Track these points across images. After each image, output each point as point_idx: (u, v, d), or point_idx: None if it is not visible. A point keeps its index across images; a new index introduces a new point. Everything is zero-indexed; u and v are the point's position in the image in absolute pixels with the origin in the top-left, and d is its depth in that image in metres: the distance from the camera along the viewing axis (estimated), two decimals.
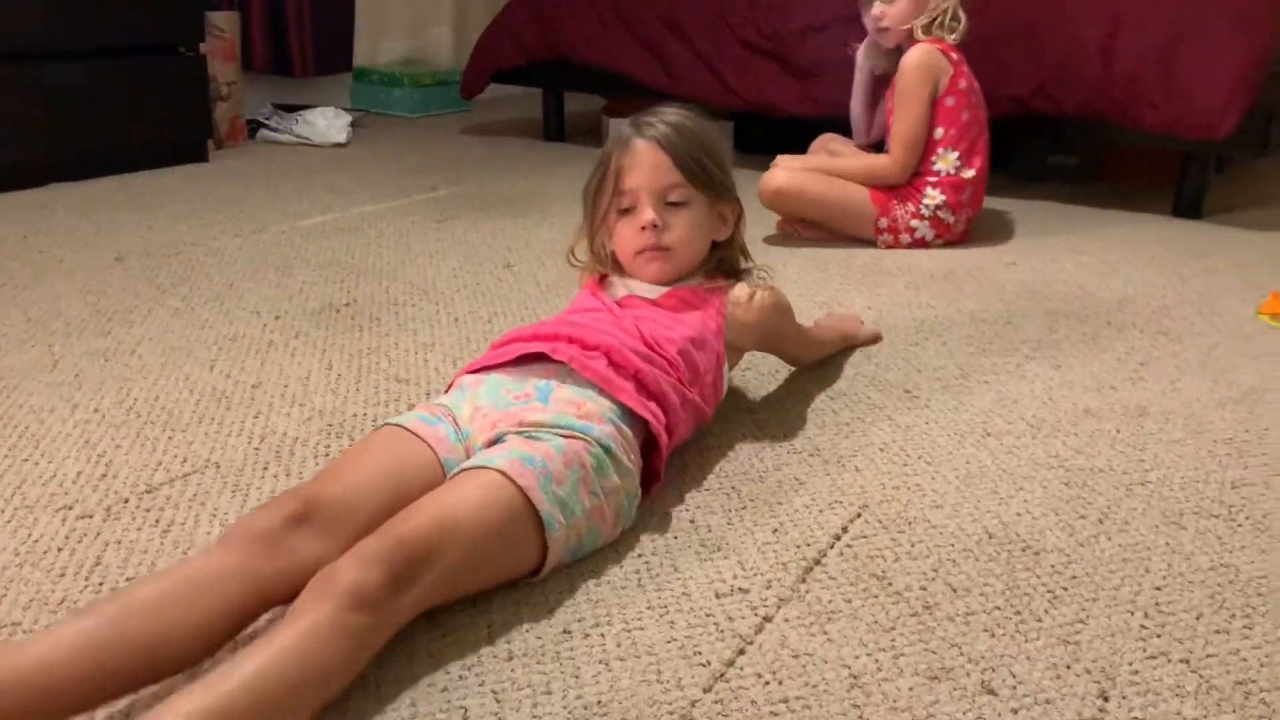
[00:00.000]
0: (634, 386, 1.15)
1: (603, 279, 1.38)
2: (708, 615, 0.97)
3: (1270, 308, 1.87)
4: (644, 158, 1.28)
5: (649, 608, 0.98)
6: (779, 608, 0.99)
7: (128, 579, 1.01)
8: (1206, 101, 2.41)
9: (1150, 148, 2.68)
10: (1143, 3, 2.55)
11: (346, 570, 0.83)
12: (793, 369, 1.56)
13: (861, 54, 2.42)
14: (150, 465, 1.24)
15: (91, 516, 1.12)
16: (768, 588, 1.02)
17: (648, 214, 1.29)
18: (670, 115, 1.31)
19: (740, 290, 1.34)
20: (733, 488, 1.22)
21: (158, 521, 1.12)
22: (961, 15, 2.24)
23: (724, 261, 1.39)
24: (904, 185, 2.28)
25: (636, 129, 1.30)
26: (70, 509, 1.14)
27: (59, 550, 1.06)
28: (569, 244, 1.41)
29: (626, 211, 1.31)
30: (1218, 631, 0.97)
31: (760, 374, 1.54)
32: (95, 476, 1.21)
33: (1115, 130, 2.59)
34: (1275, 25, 2.53)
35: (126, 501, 1.15)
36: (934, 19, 2.24)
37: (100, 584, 1.00)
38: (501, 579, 0.99)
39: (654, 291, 1.33)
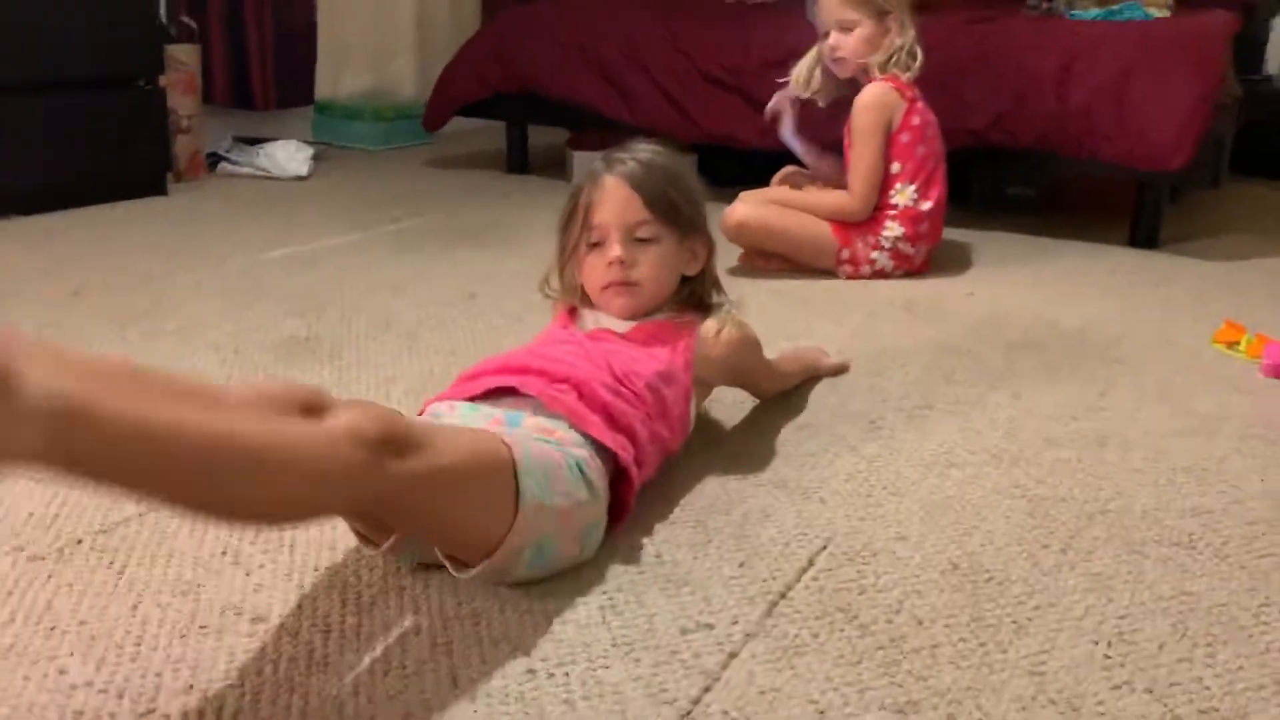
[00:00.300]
0: (602, 419, 1.15)
1: (573, 311, 1.38)
2: (674, 652, 0.97)
3: (1224, 336, 1.90)
4: (613, 194, 1.29)
5: (614, 645, 0.97)
6: (745, 643, 0.98)
7: (81, 623, 0.99)
8: (1160, 134, 2.45)
9: (1106, 179, 2.73)
10: (1095, 38, 2.60)
11: (347, 416, 0.86)
12: (758, 400, 1.57)
13: (776, 104, 2.46)
14: (104, 505, 1.21)
15: (44, 558, 1.10)
16: (734, 623, 1.01)
17: (615, 250, 1.29)
18: (641, 153, 1.32)
19: (709, 325, 1.34)
20: (699, 521, 1.21)
21: (112, 563, 1.09)
22: (918, 51, 2.27)
23: (694, 295, 1.39)
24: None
25: (608, 165, 1.31)
26: (21, 551, 1.11)
27: (9, 594, 1.03)
28: (535, 275, 1.42)
29: (596, 245, 1.32)
30: (1181, 660, 0.98)
31: (725, 405, 1.54)
32: (48, 517, 1.18)
33: (1071, 162, 2.63)
34: (1224, 58, 2.60)
35: (80, 542, 1.13)
36: (890, 56, 2.27)
37: (52, 628, 0.98)
38: (471, 527, 0.99)
39: (623, 325, 1.33)
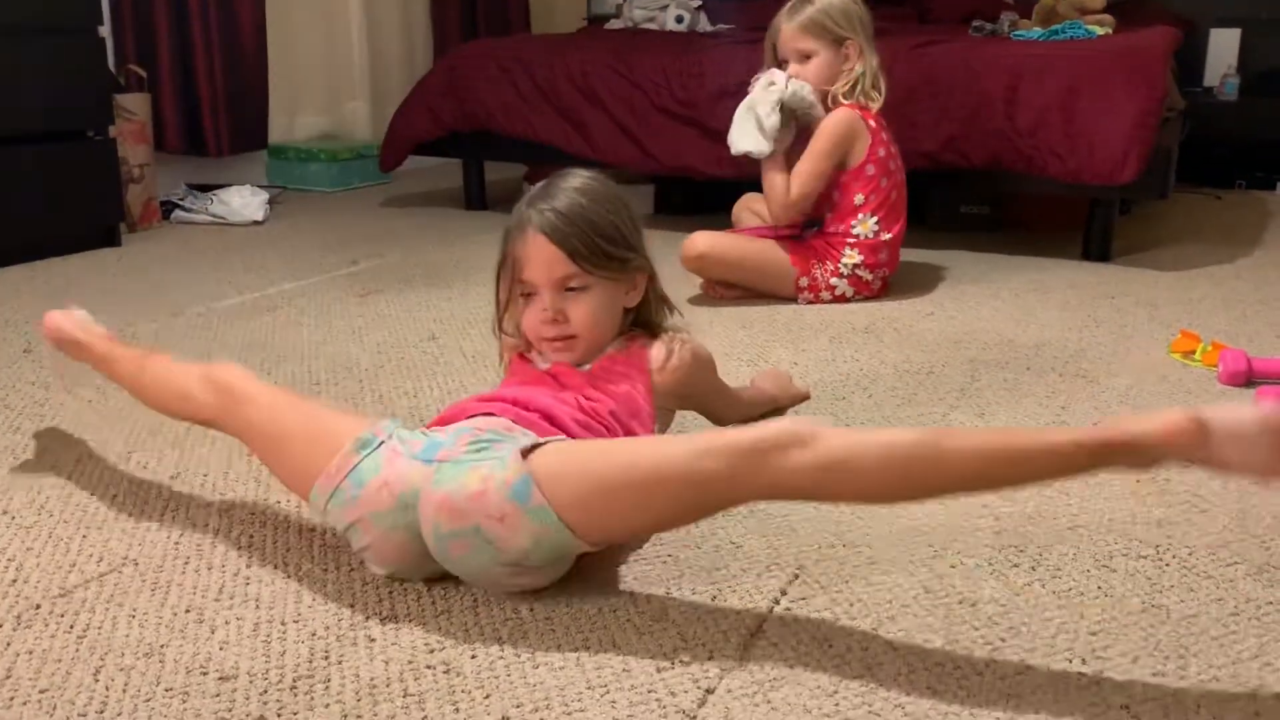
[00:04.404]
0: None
1: (523, 356, 1.37)
2: (649, 691, 0.96)
3: (1181, 345, 1.92)
4: (537, 251, 1.26)
5: (589, 687, 0.96)
6: (721, 679, 0.97)
7: (41, 691, 0.96)
8: (1107, 149, 2.49)
9: (1058, 194, 2.77)
10: (1040, 58, 2.64)
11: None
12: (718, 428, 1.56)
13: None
14: (64, 567, 1.19)
15: (1, 626, 1.07)
16: (709, 659, 1.01)
17: (545, 309, 1.28)
18: (562, 197, 1.27)
19: (657, 353, 1.33)
20: (669, 554, 1.20)
21: (72, 627, 1.07)
22: (882, 83, 2.30)
23: (640, 319, 1.38)
24: (823, 246, 2.33)
25: (530, 210, 1.28)
26: None
27: None
28: (492, 315, 1.40)
29: (529, 295, 1.30)
30: (1154, 674, 0.98)
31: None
32: (4, 582, 1.15)
33: (1023, 179, 2.67)
34: (1167, 72, 2.65)
35: (38, 608, 1.10)
36: (853, 84, 2.29)
37: (11, 698, 0.95)
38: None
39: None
